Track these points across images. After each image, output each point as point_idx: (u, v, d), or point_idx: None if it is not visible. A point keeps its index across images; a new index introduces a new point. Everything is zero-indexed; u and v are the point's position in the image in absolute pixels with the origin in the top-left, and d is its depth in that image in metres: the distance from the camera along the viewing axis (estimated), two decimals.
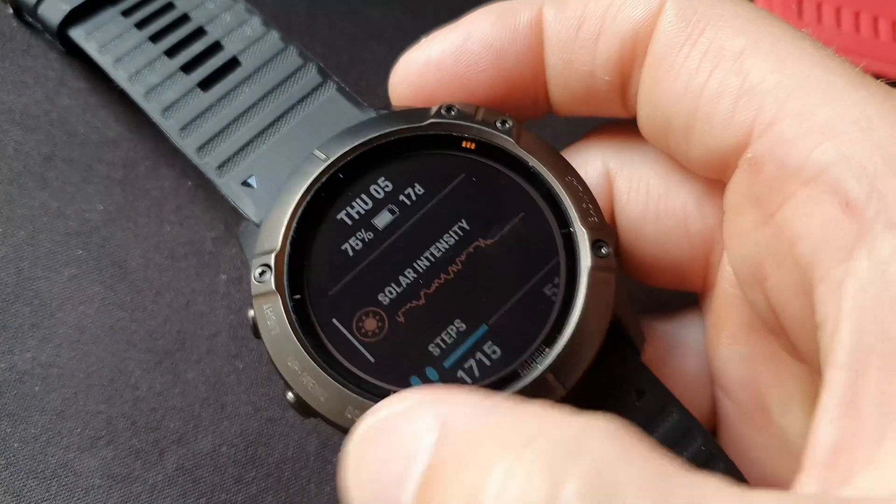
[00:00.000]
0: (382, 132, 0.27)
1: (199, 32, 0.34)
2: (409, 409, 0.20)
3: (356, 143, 0.27)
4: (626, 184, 0.29)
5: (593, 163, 0.30)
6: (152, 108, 0.32)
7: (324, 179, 0.27)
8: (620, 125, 0.30)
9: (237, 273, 0.38)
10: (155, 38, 0.34)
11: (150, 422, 0.35)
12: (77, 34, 0.36)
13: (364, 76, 0.44)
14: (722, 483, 0.17)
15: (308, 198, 0.26)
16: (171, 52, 0.33)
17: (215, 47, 0.33)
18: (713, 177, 0.26)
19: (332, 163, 0.27)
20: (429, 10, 0.47)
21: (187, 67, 0.33)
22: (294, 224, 0.26)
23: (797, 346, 0.24)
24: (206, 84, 0.32)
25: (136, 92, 0.32)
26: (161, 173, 0.39)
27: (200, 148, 0.30)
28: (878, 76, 0.49)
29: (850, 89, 0.21)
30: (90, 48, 0.35)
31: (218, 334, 0.37)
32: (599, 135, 0.31)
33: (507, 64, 0.28)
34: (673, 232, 0.28)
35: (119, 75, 0.33)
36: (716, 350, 0.29)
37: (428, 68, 0.28)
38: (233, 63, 0.32)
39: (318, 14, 0.45)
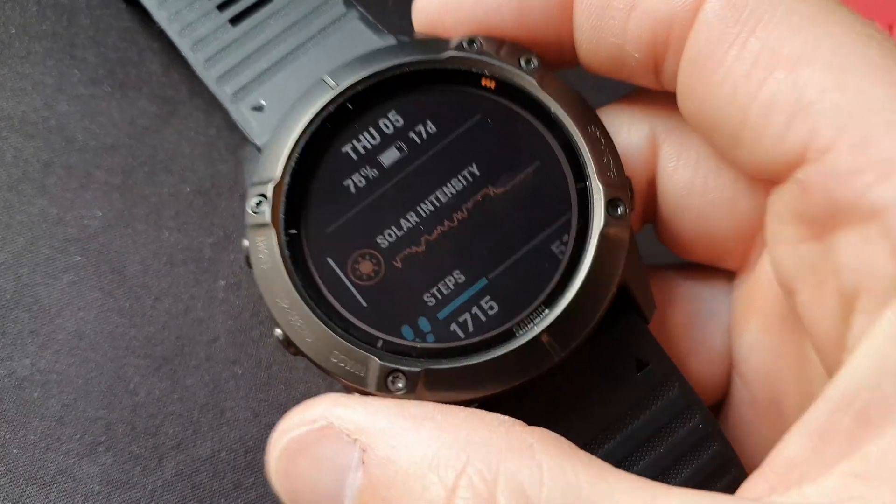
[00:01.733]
0: (397, 63, 0.25)
1: None
2: (325, 429, 0.21)
3: (368, 73, 0.25)
4: (675, 151, 0.27)
5: (639, 124, 0.28)
6: (184, 44, 0.31)
7: (331, 109, 0.25)
8: None
9: (236, 279, 0.38)
10: None
11: (149, 427, 0.35)
12: None
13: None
14: (636, 483, 0.19)
15: (313, 127, 0.25)
16: None
17: None
18: (760, 179, 0.25)
19: (342, 92, 0.25)
20: None
21: (223, 6, 0.31)
22: (296, 154, 0.25)
23: (822, 357, 0.24)
24: (236, 20, 0.31)
25: (172, 30, 0.32)
26: (159, 179, 0.40)
27: (220, 77, 0.29)
28: None
29: None
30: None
31: (217, 340, 0.37)
32: (651, 96, 0.28)
33: (530, 17, 0.26)
34: (719, 208, 0.27)
35: (161, 15, 0.32)
36: (740, 335, 0.28)
37: (447, 6, 0.26)
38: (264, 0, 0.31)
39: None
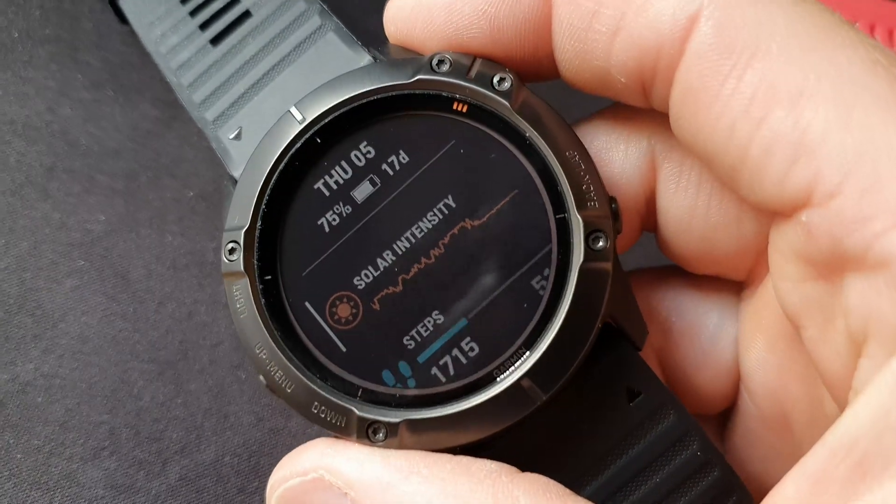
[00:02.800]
0: (365, 89, 0.24)
1: None
2: (317, 482, 0.22)
3: (335, 103, 0.24)
4: (675, 171, 0.26)
5: (637, 140, 0.26)
6: (169, 69, 0.30)
7: (299, 144, 0.24)
8: None
9: None
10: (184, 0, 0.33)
11: (153, 432, 0.35)
12: (126, 3, 0.35)
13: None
14: None
15: (281, 166, 0.24)
16: (195, 12, 0.31)
17: (233, 2, 0.31)
18: (762, 212, 0.24)
19: (309, 125, 0.24)
20: None
21: (204, 25, 0.31)
22: (266, 196, 0.24)
23: (829, 389, 0.24)
24: (216, 39, 0.30)
25: (158, 54, 0.31)
26: (163, 184, 0.40)
27: (202, 103, 0.28)
28: None
29: None
30: (130, 12, 0.34)
31: (220, 344, 0.37)
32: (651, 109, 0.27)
33: (504, 36, 0.24)
34: (723, 229, 0.26)
35: (149, 39, 0.32)
36: (748, 350, 0.28)
37: (416, 17, 0.25)
38: (244, 16, 0.30)
39: (344, 10, 0.45)
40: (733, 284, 0.29)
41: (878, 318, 0.19)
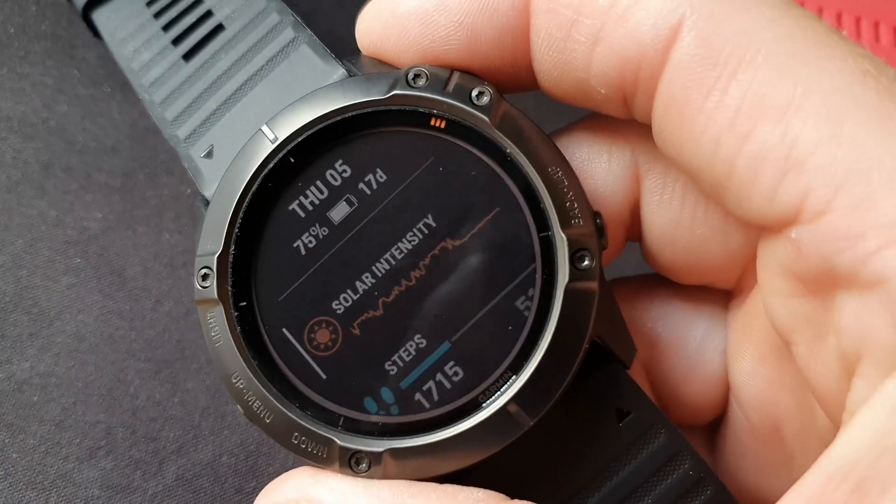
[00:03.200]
0: (338, 106, 0.23)
1: (197, 3, 0.31)
2: None
3: (308, 120, 0.23)
4: (659, 183, 0.25)
5: (620, 151, 0.26)
6: (140, 86, 0.30)
7: (271, 165, 0.23)
8: None
9: None
10: (158, 14, 0.32)
11: (150, 431, 0.35)
12: (98, 16, 0.34)
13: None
14: None
15: (254, 187, 0.23)
16: (168, 27, 0.31)
17: (206, 16, 0.31)
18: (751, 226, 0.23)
19: (281, 144, 0.23)
20: None
21: (177, 40, 0.30)
22: (238, 219, 0.23)
23: (820, 403, 0.23)
24: (189, 54, 0.29)
25: (130, 70, 0.31)
26: (160, 181, 0.39)
27: (173, 121, 0.28)
28: None
29: None
30: (104, 29, 0.33)
31: None
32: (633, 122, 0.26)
33: (482, 47, 0.23)
34: (709, 241, 0.25)
35: (121, 55, 0.31)
36: (737, 361, 0.27)
37: (390, 29, 0.24)
38: (217, 30, 0.30)
39: (317, 22, 0.45)
40: (720, 293, 0.28)
41: (872, 339, 0.19)
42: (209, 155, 0.26)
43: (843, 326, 0.20)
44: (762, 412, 0.27)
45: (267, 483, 0.34)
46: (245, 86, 0.27)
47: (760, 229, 0.22)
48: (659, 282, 0.29)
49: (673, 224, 0.25)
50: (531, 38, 0.23)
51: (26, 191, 0.38)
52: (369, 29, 0.25)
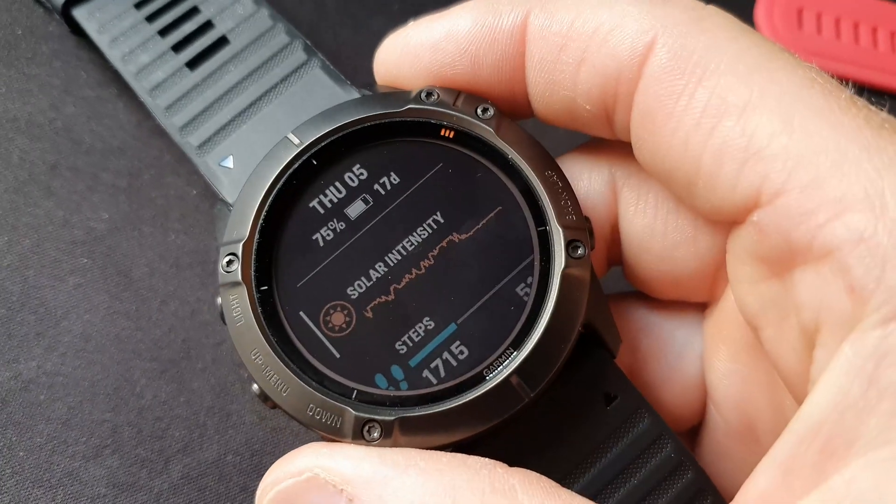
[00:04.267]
0: (358, 117, 0.26)
1: (194, 11, 0.34)
2: (311, 481, 0.22)
3: (331, 128, 0.26)
4: (634, 195, 0.28)
5: (599, 170, 0.29)
6: (141, 88, 0.32)
7: (296, 165, 0.26)
8: None
9: None
10: (151, 17, 0.34)
11: (156, 430, 0.35)
12: (80, 14, 0.36)
13: (368, 86, 0.44)
14: None
15: (279, 184, 0.26)
16: (164, 32, 0.33)
17: (207, 26, 0.33)
18: (719, 223, 0.25)
19: (305, 148, 0.26)
20: None
21: (178, 47, 0.32)
22: (264, 212, 0.25)
23: (789, 388, 0.24)
24: (193, 63, 0.31)
25: (128, 72, 0.32)
26: (166, 182, 0.40)
27: (183, 127, 0.30)
28: (876, 87, 0.50)
29: (864, 158, 0.20)
30: (91, 28, 0.35)
31: (223, 343, 0.37)
32: (610, 142, 0.29)
33: (483, 70, 0.26)
34: (681, 247, 0.27)
35: (114, 55, 0.33)
36: (712, 363, 0.29)
37: (405, 58, 0.27)
38: (221, 41, 0.32)
39: (322, 25, 0.45)
40: (696, 307, 0.30)
41: (827, 306, 0.21)
42: (228, 163, 0.28)
43: (802, 300, 0.21)
44: (737, 411, 0.28)
45: None
46: (260, 101, 0.30)
47: (729, 226, 0.24)
48: (639, 298, 0.31)
49: (647, 231, 0.28)
50: (526, 64, 0.26)
51: (33, 191, 0.38)
52: (387, 58, 0.28)
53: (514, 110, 0.28)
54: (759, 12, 0.49)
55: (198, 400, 0.36)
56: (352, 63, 0.45)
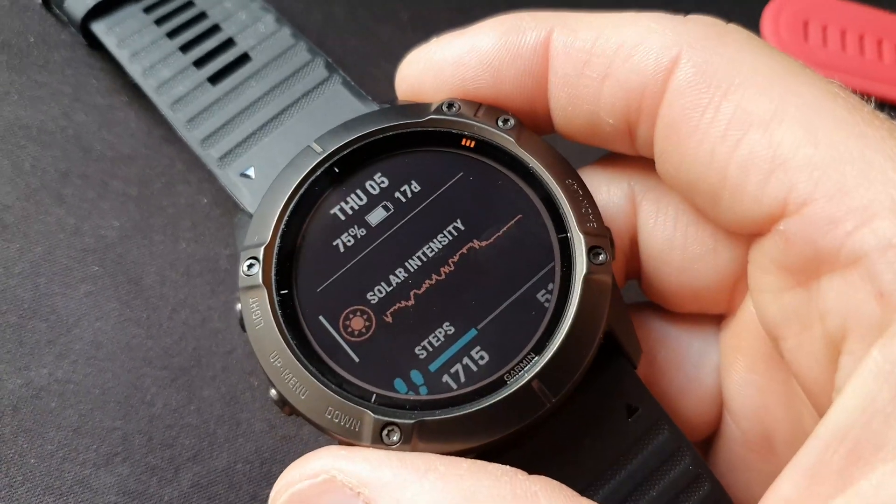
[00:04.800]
0: (380, 126, 0.27)
1: (215, 29, 0.35)
2: (328, 483, 0.22)
3: (353, 137, 0.27)
4: (654, 208, 0.28)
5: (618, 183, 0.29)
6: (162, 102, 0.32)
7: (318, 172, 0.26)
8: None
9: None
10: (172, 34, 0.35)
11: (166, 439, 0.35)
12: (99, 28, 0.37)
13: (376, 93, 0.44)
14: None
15: (301, 191, 0.26)
16: (185, 48, 0.34)
17: (228, 43, 0.34)
18: (742, 235, 0.26)
19: (328, 156, 0.26)
20: (439, 30, 0.47)
21: (199, 63, 0.33)
22: (286, 217, 0.26)
23: (810, 398, 0.24)
24: (215, 79, 0.32)
25: (148, 86, 0.33)
26: (177, 190, 0.40)
27: (205, 140, 0.30)
28: (882, 100, 0.50)
29: (889, 167, 0.20)
30: (110, 42, 0.36)
31: (233, 351, 0.37)
32: (627, 157, 0.29)
33: (505, 86, 0.27)
34: (701, 259, 0.27)
35: (134, 69, 0.34)
36: (729, 374, 0.29)
37: (427, 73, 0.27)
38: (243, 58, 0.33)
39: (330, 33, 0.46)
40: (713, 318, 0.30)
41: (855, 312, 0.21)
42: (249, 175, 0.28)
43: (829, 308, 0.22)
44: (754, 422, 0.28)
45: None
46: (282, 115, 0.30)
47: (751, 238, 0.25)
48: (656, 308, 0.31)
49: (667, 244, 0.28)
50: (549, 78, 0.26)
51: (44, 199, 0.39)
52: (409, 73, 0.28)
53: (535, 126, 0.28)
54: (766, 24, 0.50)
55: (208, 408, 0.36)
56: (359, 70, 0.45)
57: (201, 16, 0.36)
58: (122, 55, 0.35)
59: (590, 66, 0.25)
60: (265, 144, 0.29)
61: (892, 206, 0.20)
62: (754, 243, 0.25)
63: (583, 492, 0.23)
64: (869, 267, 0.20)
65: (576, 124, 0.27)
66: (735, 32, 0.24)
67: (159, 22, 0.36)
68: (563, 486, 0.22)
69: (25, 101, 0.40)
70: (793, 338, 0.24)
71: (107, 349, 0.36)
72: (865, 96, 0.23)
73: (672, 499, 0.25)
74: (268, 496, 0.35)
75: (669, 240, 0.28)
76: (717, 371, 0.30)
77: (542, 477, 0.22)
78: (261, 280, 0.25)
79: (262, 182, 0.28)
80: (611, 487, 0.25)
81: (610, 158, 0.30)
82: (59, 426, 0.35)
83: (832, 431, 0.20)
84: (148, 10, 0.37)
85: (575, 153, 0.28)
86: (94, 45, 0.38)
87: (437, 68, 0.27)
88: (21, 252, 0.37)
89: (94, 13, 0.37)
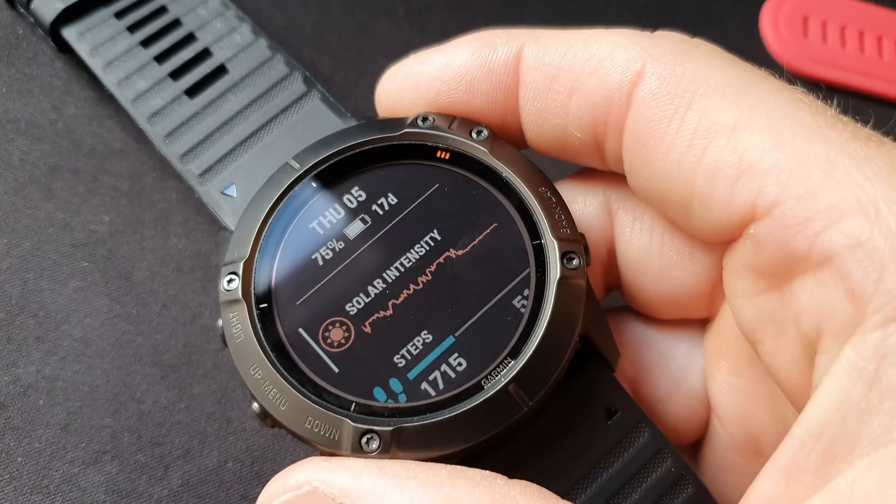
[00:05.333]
0: (356, 141, 0.27)
1: (190, 38, 0.34)
2: (310, 494, 0.22)
3: (330, 153, 0.27)
4: (629, 217, 0.29)
5: (594, 195, 0.29)
6: (139, 115, 0.32)
7: (296, 189, 0.27)
8: None
9: None
10: (146, 42, 0.34)
11: (156, 437, 0.35)
12: (70, 34, 0.36)
13: (371, 90, 0.44)
14: None
15: (279, 207, 0.26)
16: (160, 58, 0.34)
17: (204, 54, 0.33)
18: (716, 242, 0.26)
19: (305, 172, 0.27)
20: (436, 26, 0.47)
21: (175, 74, 0.33)
22: (264, 232, 0.26)
23: (790, 400, 0.25)
24: (192, 91, 0.32)
25: (125, 98, 0.33)
26: (168, 185, 0.39)
27: (184, 155, 0.30)
28: (881, 97, 0.49)
29: (853, 168, 0.21)
30: (81, 49, 0.35)
31: (224, 349, 0.37)
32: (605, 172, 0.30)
33: (477, 100, 0.27)
34: (677, 266, 0.28)
35: (109, 80, 0.34)
36: (714, 377, 0.29)
37: (405, 88, 0.28)
38: (220, 70, 0.33)
39: (326, 28, 0.45)
40: (697, 323, 0.30)
41: (828, 311, 0.21)
42: (230, 192, 0.29)
43: (802, 309, 0.22)
44: (740, 425, 0.28)
45: None
46: (261, 130, 0.31)
47: (725, 245, 0.25)
48: (641, 315, 0.31)
49: (644, 252, 0.28)
50: (519, 93, 0.27)
51: (33, 193, 0.38)
52: (388, 87, 0.29)
53: (508, 140, 0.28)
54: (765, 20, 0.49)
55: (198, 406, 0.35)
56: (355, 67, 0.45)
57: (175, 23, 0.35)
58: (95, 64, 0.34)
59: (558, 80, 0.26)
60: (245, 161, 0.30)
61: (858, 205, 0.20)
62: (728, 250, 0.25)
63: (564, 496, 0.23)
64: (839, 266, 0.20)
65: (546, 138, 0.27)
66: (701, 47, 0.24)
67: (132, 29, 0.35)
68: (543, 489, 0.22)
69: (14, 94, 0.40)
70: (770, 341, 0.24)
71: (96, 346, 0.36)
72: (847, 90, 0.23)
73: (655, 501, 0.25)
74: (258, 495, 0.35)
75: (646, 248, 0.28)
76: (704, 375, 0.30)
77: (522, 481, 0.22)
78: (240, 294, 0.25)
79: (242, 200, 0.28)
80: (592, 491, 0.25)
81: (586, 172, 0.30)
82: (48, 424, 0.34)
83: (808, 430, 0.20)
84: (119, 14, 0.36)
85: (550, 167, 0.29)
86: (64, 49, 0.37)
87: (414, 82, 0.28)
88: (9, 247, 0.37)
89: (64, 17, 0.36)
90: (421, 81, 0.28)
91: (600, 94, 0.25)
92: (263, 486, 0.34)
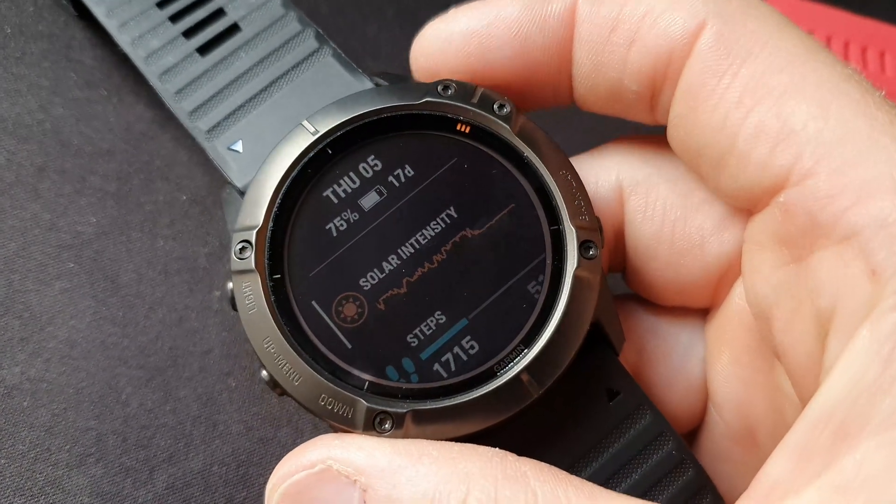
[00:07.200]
0: (375, 108, 0.26)
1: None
2: (324, 472, 0.22)
3: (347, 118, 0.26)
4: (642, 202, 0.28)
5: (606, 175, 0.29)
6: (151, 72, 0.31)
7: (311, 154, 0.26)
8: (640, 139, 0.30)
9: None
10: (161, 4, 0.34)
11: (141, 439, 0.35)
12: None
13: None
14: (618, 500, 0.20)
15: (294, 172, 0.26)
16: (174, 18, 0.33)
17: (218, 13, 0.33)
18: (740, 207, 0.26)
19: (321, 137, 0.26)
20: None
21: (188, 33, 0.32)
22: (278, 200, 0.25)
23: (794, 383, 0.25)
24: (204, 49, 0.31)
25: (137, 56, 0.32)
26: (155, 187, 0.39)
27: (193, 112, 0.30)
28: None
29: (894, 149, 0.21)
30: (99, 12, 0.35)
31: (210, 352, 0.36)
32: (617, 147, 0.30)
33: (532, 54, 0.27)
34: (687, 254, 0.28)
35: (123, 39, 0.33)
36: (714, 366, 0.29)
37: (450, 45, 0.27)
38: (233, 29, 0.32)
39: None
40: (698, 312, 0.30)
41: (846, 288, 0.21)
42: (237, 148, 0.28)
43: (820, 283, 0.22)
44: (737, 414, 0.29)
45: (259, 493, 0.34)
46: (272, 87, 0.29)
47: (747, 214, 0.25)
48: (644, 301, 0.31)
49: (655, 239, 0.28)
50: (574, 46, 0.26)
51: (20, 193, 0.38)
52: (427, 46, 0.28)
53: (554, 96, 0.28)
54: None
55: (184, 409, 0.35)
56: None
57: None
58: (110, 24, 0.34)
59: (617, 32, 0.25)
60: (253, 118, 0.29)
61: (892, 185, 0.20)
62: (751, 220, 0.25)
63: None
64: (863, 244, 0.20)
65: (598, 92, 0.27)
66: (761, 7, 0.24)
67: None
68: (551, 466, 0.22)
69: (1, 93, 0.39)
70: (783, 317, 0.24)
71: (81, 348, 0.36)
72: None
73: (655, 482, 0.26)
74: (243, 499, 0.35)
75: (657, 235, 0.28)
76: (703, 364, 0.30)
77: (530, 459, 0.22)
78: (254, 265, 0.25)
79: (249, 156, 0.28)
80: (592, 470, 0.26)
81: (599, 150, 0.30)
82: (32, 426, 0.34)
83: (820, 411, 0.20)
84: None
85: (565, 143, 0.28)
86: (84, 15, 0.37)
87: (461, 40, 0.27)
88: None
89: None
90: (468, 40, 0.27)
91: (662, 45, 0.25)
92: (249, 491, 0.35)
